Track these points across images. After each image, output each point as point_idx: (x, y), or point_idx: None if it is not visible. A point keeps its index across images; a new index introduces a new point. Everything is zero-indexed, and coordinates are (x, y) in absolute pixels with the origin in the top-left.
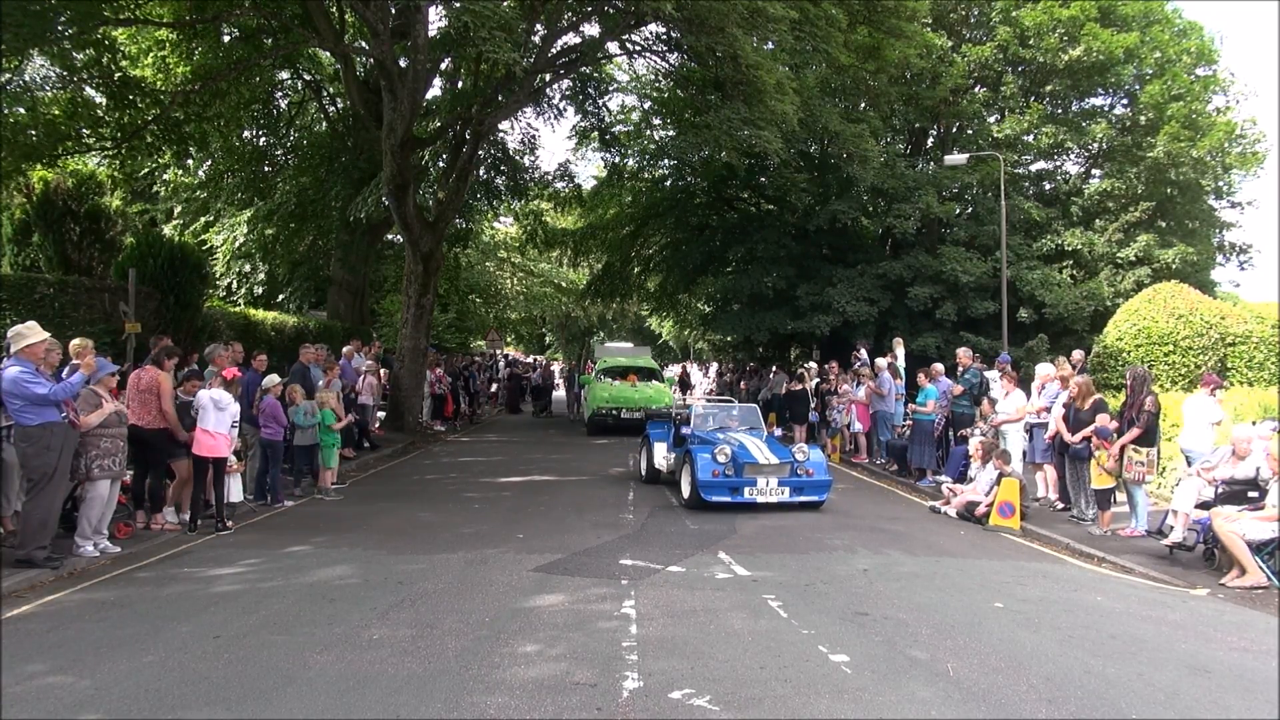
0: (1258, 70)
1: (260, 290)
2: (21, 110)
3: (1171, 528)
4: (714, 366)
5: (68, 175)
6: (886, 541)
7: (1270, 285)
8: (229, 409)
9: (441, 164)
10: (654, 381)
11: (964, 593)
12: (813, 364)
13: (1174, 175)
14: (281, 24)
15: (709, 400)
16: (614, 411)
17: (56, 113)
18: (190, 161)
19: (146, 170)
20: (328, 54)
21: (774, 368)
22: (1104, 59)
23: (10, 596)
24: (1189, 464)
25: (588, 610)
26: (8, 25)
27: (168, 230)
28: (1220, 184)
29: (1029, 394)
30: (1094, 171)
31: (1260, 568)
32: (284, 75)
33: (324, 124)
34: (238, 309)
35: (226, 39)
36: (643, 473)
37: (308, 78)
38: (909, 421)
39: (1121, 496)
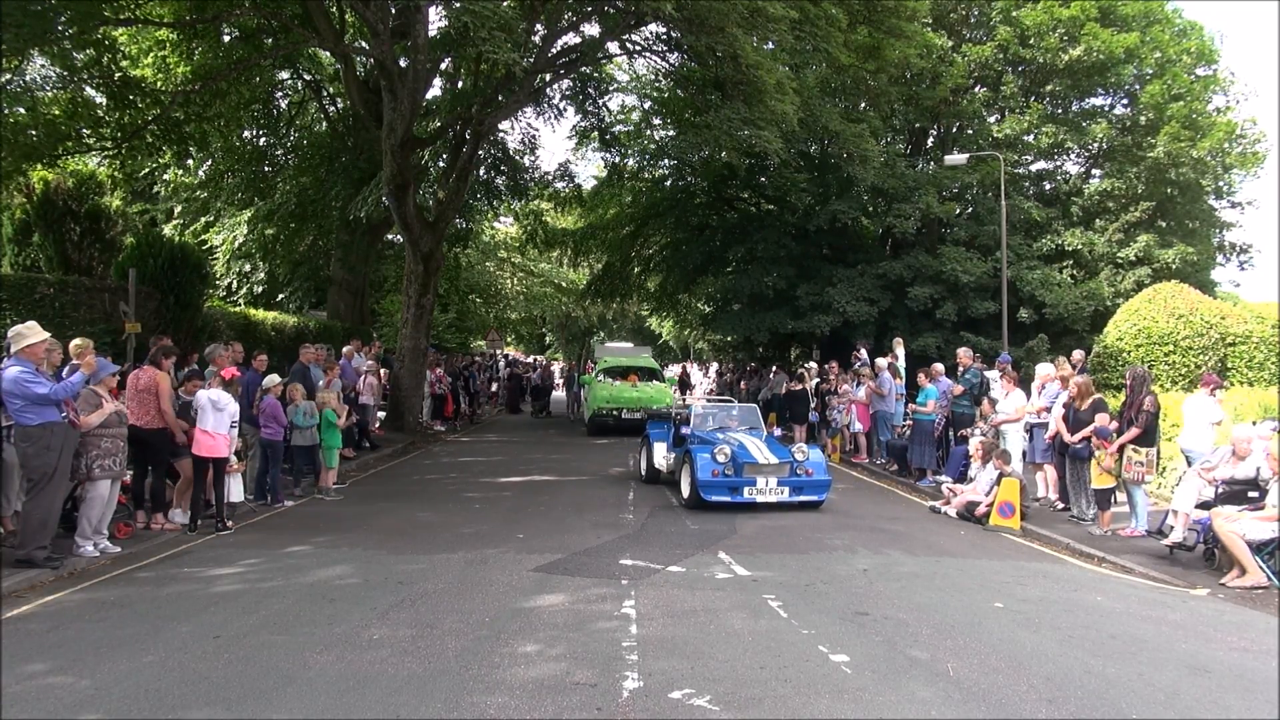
0: (1258, 70)
1: (260, 290)
2: (21, 110)
3: (1171, 528)
4: (714, 366)
5: (68, 175)
6: (886, 541)
7: (1270, 285)
8: (227, 409)
9: (441, 164)
10: (654, 381)
11: (964, 593)
12: (813, 364)
13: (1174, 175)
14: (281, 24)
15: (709, 400)
16: (614, 412)
17: (56, 113)
18: (190, 161)
19: (146, 170)
20: (328, 54)
21: (774, 368)
22: (1104, 59)
23: (10, 596)
24: (1189, 464)
25: (588, 610)
26: (8, 25)
27: (168, 230)
28: (1220, 184)
29: (1029, 394)
30: (1094, 171)
31: (1260, 568)
32: (284, 75)
33: (324, 124)
34: (238, 309)
35: (226, 39)
36: (642, 473)
37: (308, 78)
38: (909, 421)
39: (1121, 496)
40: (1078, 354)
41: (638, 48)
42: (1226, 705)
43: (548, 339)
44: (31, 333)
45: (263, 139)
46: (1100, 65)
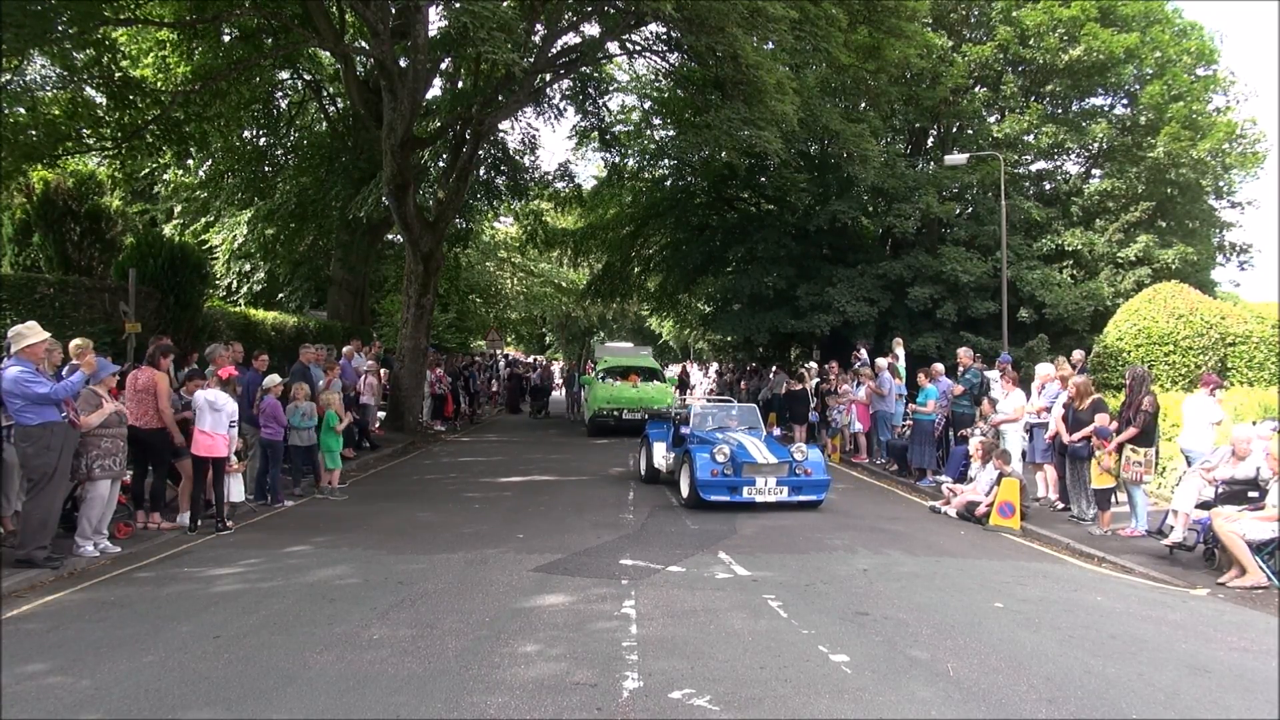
0: (1258, 70)
1: (260, 290)
2: (21, 110)
3: (1171, 528)
4: (714, 366)
5: (68, 175)
6: (886, 541)
7: (1270, 285)
8: (225, 409)
9: (441, 164)
10: (655, 381)
11: (964, 593)
12: (813, 364)
13: (1174, 175)
14: (281, 24)
15: (708, 400)
16: (615, 412)
17: (56, 113)
18: (190, 161)
19: (146, 170)
20: (328, 54)
21: (774, 368)
22: (1104, 59)
23: (10, 596)
24: (1189, 464)
25: (588, 610)
26: (8, 25)
27: (168, 230)
28: (1220, 184)
29: (1029, 394)
30: (1094, 171)
31: (1260, 568)
32: (284, 75)
33: (324, 124)
34: (238, 309)
35: (226, 39)
36: (642, 472)
37: (308, 78)
38: (909, 421)
39: (1122, 496)
40: (1078, 354)
41: (638, 48)
42: (1226, 705)
43: (548, 339)
44: (31, 333)
45: (263, 139)
46: (1100, 65)
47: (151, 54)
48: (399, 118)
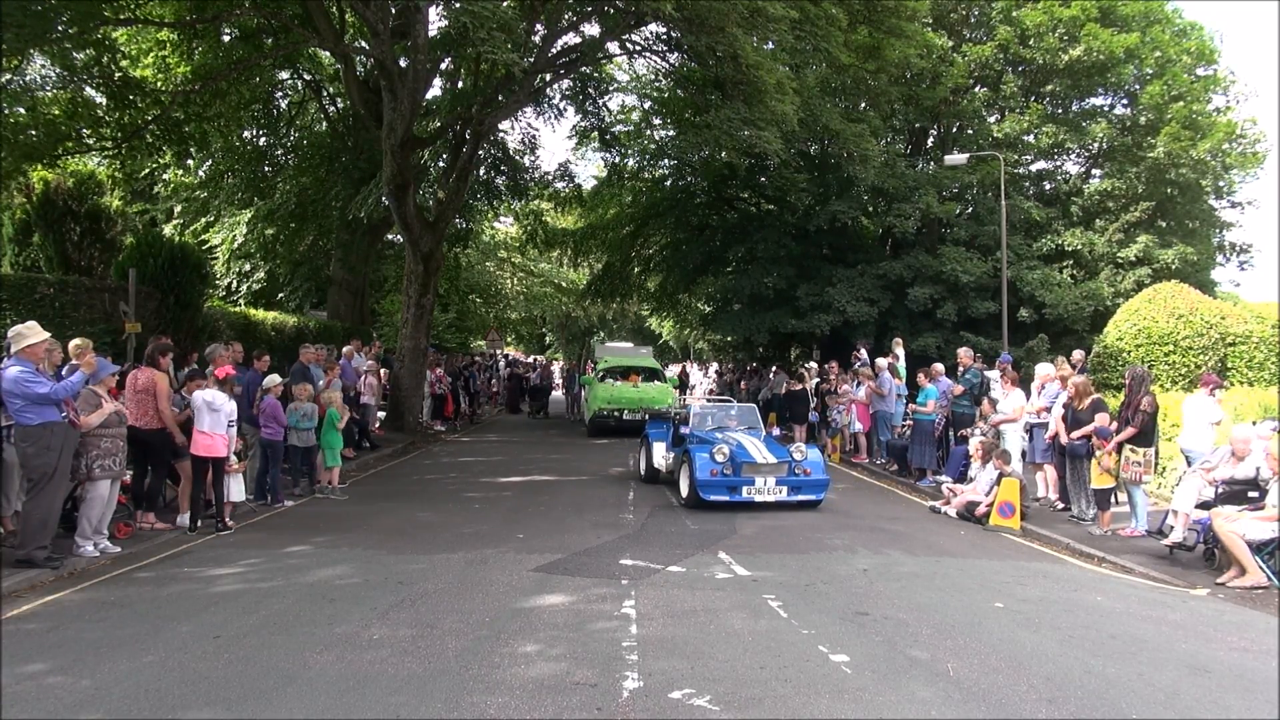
0: (1258, 70)
1: (260, 290)
2: (21, 110)
3: (1171, 528)
4: (714, 366)
5: (68, 175)
6: (886, 541)
7: (1270, 285)
8: (223, 409)
9: (441, 164)
10: (656, 381)
11: (964, 593)
12: (813, 364)
13: (1174, 175)
14: (281, 24)
15: (708, 400)
16: (615, 413)
17: (56, 113)
18: (190, 161)
19: (146, 170)
20: (328, 54)
21: (774, 368)
22: (1104, 59)
23: (10, 596)
24: (1189, 464)
25: (588, 610)
26: (8, 25)
27: (168, 230)
28: (1220, 184)
29: (1029, 394)
30: (1094, 171)
31: (1260, 568)
32: (284, 75)
33: (324, 124)
34: (238, 309)
35: (226, 39)
36: (642, 472)
37: (308, 78)
38: (909, 421)
39: (1122, 496)
40: (1078, 354)
41: (638, 48)
42: (1226, 705)
43: (548, 339)
44: (31, 333)
45: (263, 139)
46: (1100, 65)
47: (151, 54)
48: (399, 118)
